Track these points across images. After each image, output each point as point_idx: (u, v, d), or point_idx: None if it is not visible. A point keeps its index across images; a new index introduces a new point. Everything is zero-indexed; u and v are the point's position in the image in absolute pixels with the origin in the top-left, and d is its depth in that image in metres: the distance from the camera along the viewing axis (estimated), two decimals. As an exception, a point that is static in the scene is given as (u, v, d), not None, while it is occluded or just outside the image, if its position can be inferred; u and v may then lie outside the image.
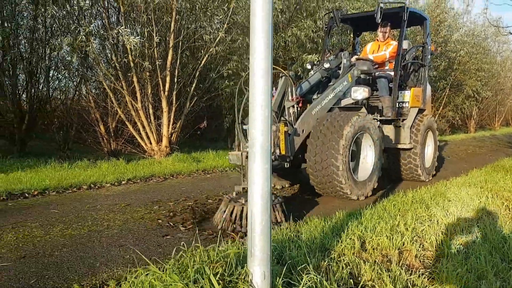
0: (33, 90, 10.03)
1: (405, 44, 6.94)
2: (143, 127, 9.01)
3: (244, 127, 4.53)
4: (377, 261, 2.97)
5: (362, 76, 6.13)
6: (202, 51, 9.43)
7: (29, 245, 3.36)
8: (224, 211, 3.97)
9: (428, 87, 7.31)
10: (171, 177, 6.94)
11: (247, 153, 3.78)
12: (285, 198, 4.62)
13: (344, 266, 2.80)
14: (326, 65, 5.93)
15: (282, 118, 5.06)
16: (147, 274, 2.08)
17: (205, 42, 9.12)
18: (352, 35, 8.55)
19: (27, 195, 5.22)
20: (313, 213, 4.55)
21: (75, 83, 10.33)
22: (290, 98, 5.06)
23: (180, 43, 8.85)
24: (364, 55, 6.74)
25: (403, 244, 3.32)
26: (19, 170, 6.87)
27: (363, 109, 5.67)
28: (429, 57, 7.04)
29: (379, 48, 6.83)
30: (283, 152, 4.43)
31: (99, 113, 9.43)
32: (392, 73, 6.46)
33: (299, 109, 5.13)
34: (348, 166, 4.93)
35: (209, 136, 13.10)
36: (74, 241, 3.49)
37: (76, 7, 7.55)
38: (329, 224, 3.66)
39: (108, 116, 9.60)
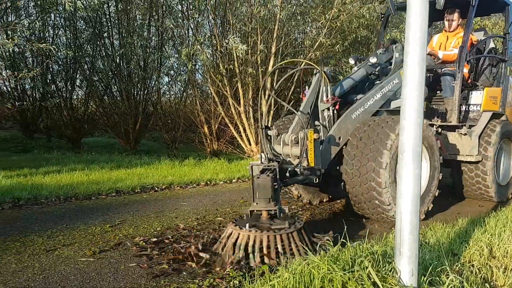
0: (146, 93, 11.11)
1: (481, 35, 6.05)
2: (244, 129, 9.51)
3: (269, 132, 4.04)
4: (509, 267, 2.98)
5: None
6: (302, 56, 9.71)
7: (174, 231, 3.85)
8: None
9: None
10: (275, 178, 7.29)
11: (259, 166, 3.34)
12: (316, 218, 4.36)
13: (477, 271, 2.86)
14: (373, 60, 5.04)
15: (316, 123, 4.38)
16: (307, 263, 2.34)
17: (305, 47, 9.39)
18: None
19: (156, 188, 5.91)
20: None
21: (182, 88, 11.21)
22: (324, 99, 4.28)
23: (281, 49, 9.22)
24: (431, 49, 5.69)
25: (533, 253, 3.27)
26: (139, 167, 7.68)
27: None
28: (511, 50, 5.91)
29: (447, 40, 5.85)
30: (311, 164, 3.70)
31: (204, 116, 10.16)
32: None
33: (335, 112, 4.37)
34: (393, 182, 4.09)
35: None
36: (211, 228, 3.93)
37: (192, 20, 8.25)
38: (453, 230, 3.69)
39: (211, 118, 10.30)
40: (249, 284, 2.49)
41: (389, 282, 2.30)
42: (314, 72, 4.43)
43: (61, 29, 11.71)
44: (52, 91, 11.69)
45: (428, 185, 4.59)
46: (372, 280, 2.26)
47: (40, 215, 4.39)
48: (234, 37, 7.77)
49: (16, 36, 7.58)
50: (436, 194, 4.63)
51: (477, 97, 5.58)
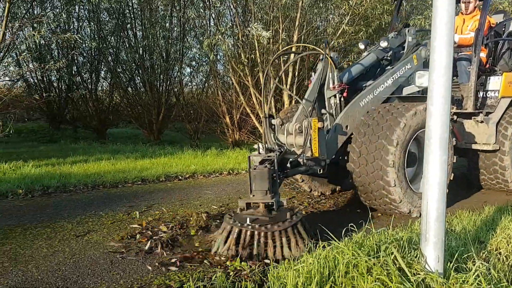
0: (168, 84, 11.23)
1: (500, 18, 5.83)
2: (266, 119, 9.50)
3: (273, 121, 3.92)
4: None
5: None
6: (324, 45, 9.60)
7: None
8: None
9: None
10: (297, 167, 7.31)
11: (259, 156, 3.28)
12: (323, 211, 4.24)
13: (504, 258, 2.83)
14: (383, 44, 4.80)
15: (323, 111, 4.22)
16: (331, 248, 2.36)
17: (328, 35, 9.27)
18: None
19: (180, 177, 6.01)
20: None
21: (204, 78, 11.29)
22: (331, 86, 4.12)
23: (303, 37, 9.13)
24: None
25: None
26: (162, 156, 7.82)
27: None
28: None
29: (464, 23, 5.59)
30: (315, 154, 3.54)
31: (225, 106, 10.21)
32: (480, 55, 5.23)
33: (342, 99, 4.20)
34: (403, 172, 3.92)
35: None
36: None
37: (213, 10, 8.27)
38: (480, 218, 3.63)
39: (233, 108, 10.33)
40: (274, 269, 2.51)
41: (414, 267, 2.29)
42: (320, 57, 4.26)
43: (85, 21, 11.91)
44: (77, 83, 11.94)
45: None
46: (397, 265, 2.26)
47: (69, 202, 4.52)
48: (256, 24, 7.74)
49: (42, 29, 7.74)
50: (455, 160, 4.43)
51: (495, 82, 5.30)
